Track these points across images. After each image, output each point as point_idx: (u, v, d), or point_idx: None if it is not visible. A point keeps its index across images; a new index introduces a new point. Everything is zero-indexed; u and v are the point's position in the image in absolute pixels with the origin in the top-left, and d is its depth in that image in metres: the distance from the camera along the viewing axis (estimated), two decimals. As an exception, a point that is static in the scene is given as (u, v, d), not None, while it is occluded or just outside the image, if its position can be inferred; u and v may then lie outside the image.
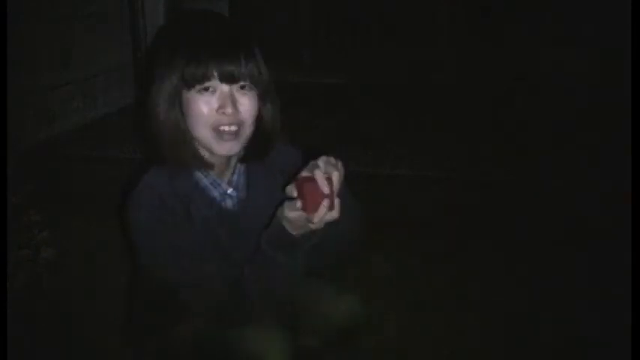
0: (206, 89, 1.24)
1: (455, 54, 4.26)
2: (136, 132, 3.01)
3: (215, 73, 1.23)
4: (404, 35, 4.44)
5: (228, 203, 1.36)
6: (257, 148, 1.34)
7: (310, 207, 1.15)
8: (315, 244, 1.25)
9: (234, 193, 1.36)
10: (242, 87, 1.25)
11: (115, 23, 3.85)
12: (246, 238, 1.32)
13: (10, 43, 1.85)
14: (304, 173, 1.18)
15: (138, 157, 3.04)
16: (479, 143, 3.18)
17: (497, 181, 2.86)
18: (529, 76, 3.83)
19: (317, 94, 4.09)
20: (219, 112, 1.25)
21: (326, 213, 1.15)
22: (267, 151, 1.36)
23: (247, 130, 1.28)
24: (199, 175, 1.33)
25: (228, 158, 1.34)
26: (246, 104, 1.26)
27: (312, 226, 1.18)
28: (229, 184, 1.36)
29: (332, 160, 1.20)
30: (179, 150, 1.28)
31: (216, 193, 1.34)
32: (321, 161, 1.19)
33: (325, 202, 1.14)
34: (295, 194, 1.17)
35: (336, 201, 1.16)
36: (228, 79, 1.24)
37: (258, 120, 1.30)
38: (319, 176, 1.15)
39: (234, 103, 1.25)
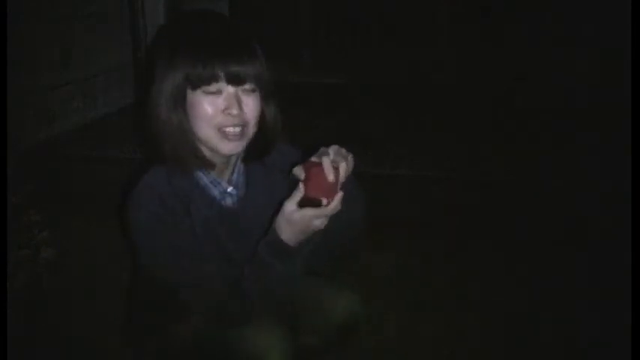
0: (212, 91, 1.24)
1: (455, 54, 4.25)
2: (136, 132, 3.01)
3: (222, 75, 1.23)
4: (404, 35, 4.42)
5: (228, 201, 1.36)
6: (258, 147, 1.34)
7: (312, 190, 1.15)
8: (315, 245, 1.25)
9: (234, 192, 1.36)
10: (246, 88, 1.26)
11: (115, 23, 3.84)
12: (246, 237, 1.33)
13: (10, 43, 1.85)
14: (314, 158, 1.18)
15: (138, 157, 3.04)
16: (479, 143, 3.18)
17: (497, 181, 2.85)
18: (529, 76, 3.82)
19: (317, 94, 4.08)
20: (225, 112, 1.25)
21: (324, 206, 1.15)
22: (268, 151, 1.37)
23: (251, 131, 1.29)
24: (199, 174, 1.33)
25: (229, 157, 1.34)
26: (251, 105, 1.27)
27: (313, 225, 1.18)
28: (229, 182, 1.36)
29: (343, 151, 1.21)
30: (181, 149, 1.28)
31: (216, 192, 1.34)
32: (331, 149, 1.20)
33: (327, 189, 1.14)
34: (302, 177, 1.17)
35: (339, 194, 1.16)
36: (235, 80, 1.24)
37: (261, 120, 1.30)
38: (327, 163, 1.15)
39: (239, 104, 1.25)
